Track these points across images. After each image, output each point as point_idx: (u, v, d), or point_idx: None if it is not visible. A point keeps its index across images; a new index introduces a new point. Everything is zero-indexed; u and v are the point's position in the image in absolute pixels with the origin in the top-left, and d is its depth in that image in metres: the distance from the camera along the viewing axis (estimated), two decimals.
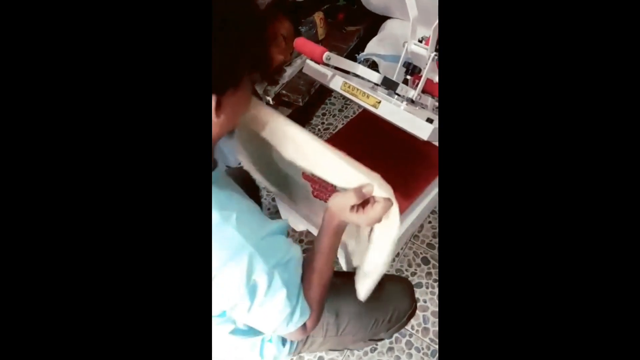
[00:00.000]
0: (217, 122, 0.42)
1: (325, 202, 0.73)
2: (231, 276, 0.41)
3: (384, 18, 1.40)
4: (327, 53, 0.65)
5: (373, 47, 1.40)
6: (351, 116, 1.41)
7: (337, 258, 0.81)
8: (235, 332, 0.58)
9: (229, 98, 0.41)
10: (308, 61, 0.72)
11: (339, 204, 0.52)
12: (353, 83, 0.68)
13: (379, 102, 0.65)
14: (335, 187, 0.56)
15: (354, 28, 1.39)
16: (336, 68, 0.73)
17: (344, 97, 1.48)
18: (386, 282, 0.68)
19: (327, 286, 0.55)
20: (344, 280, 0.66)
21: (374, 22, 1.40)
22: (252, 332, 0.60)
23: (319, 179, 0.61)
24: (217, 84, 0.39)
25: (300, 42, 0.67)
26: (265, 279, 0.43)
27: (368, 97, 0.66)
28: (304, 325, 0.52)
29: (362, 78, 0.74)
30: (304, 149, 0.57)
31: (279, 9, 1.17)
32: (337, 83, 0.69)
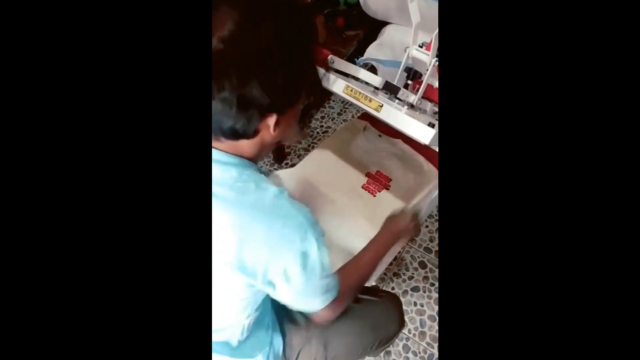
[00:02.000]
0: (271, 135, 0.46)
1: (374, 195, 0.80)
2: (286, 240, 0.45)
3: (383, 23, 1.41)
4: (330, 56, 0.65)
5: (372, 52, 1.41)
6: (350, 119, 1.42)
7: None
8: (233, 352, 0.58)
9: (284, 116, 0.46)
10: None
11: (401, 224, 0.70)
12: (355, 86, 0.69)
13: (381, 106, 0.65)
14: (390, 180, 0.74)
15: (354, 32, 1.40)
16: (338, 71, 0.74)
17: (343, 101, 1.49)
18: (375, 308, 0.67)
19: (362, 280, 0.62)
20: None
21: (373, 27, 1.41)
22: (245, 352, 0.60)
23: (379, 172, 0.81)
24: (279, 106, 0.43)
25: None
26: (315, 247, 0.46)
27: (370, 100, 0.67)
28: (330, 306, 0.52)
29: (364, 82, 0.74)
30: None
31: None
32: (339, 86, 0.70)
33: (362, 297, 0.69)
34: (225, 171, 0.45)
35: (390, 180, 0.85)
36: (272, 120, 0.43)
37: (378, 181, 0.84)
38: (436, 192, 0.87)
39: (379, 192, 0.82)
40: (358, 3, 1.37)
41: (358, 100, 0.68)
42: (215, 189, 0.43)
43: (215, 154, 0.45)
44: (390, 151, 0.91)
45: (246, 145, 0.46)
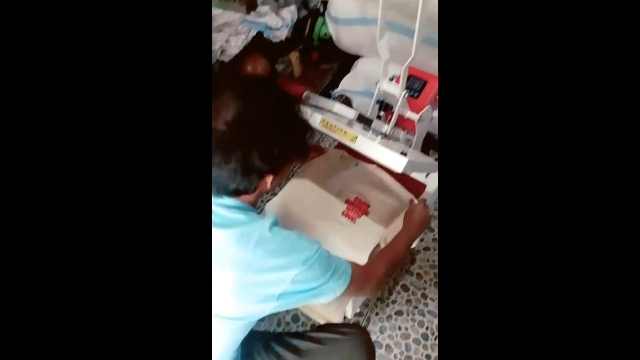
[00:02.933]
0: (267, 188, 0.57)
1: (353, 221, 0.84)
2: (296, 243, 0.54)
3: (356, 57, 1.49)
4: (306, 93, 0.69)
5: (346, 84, 1.48)
6: (328, 148, 1.46)
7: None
8: None
9: (279, 174, 0.56)
10: None
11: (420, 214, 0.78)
12: (330, 119, 0.73)
13: (356, 137, 0.69)
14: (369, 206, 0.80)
15: (328, 66, 1.47)
16: (314, 106, 0.78)
17: (320, 132, 1.53)
18: (341, 348, 0.66)
19: (391, 267, 0.70)
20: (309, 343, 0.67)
21: (346, 61, 1.49)
22: None
23: (357, 199, 0.85)
24: (275, 168, 0.54)
25: (281, 83, 0.72)
26: (315, 248, 0.55)
27: (345, 133, 0.71)
28: (352, 283, 0.58)
29: (339, 115, 0.79)
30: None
31: (256, 48, 1.23)
32: (315, 120, 0.73)
33: (324, 336, 0.67)
34: (231, 212, 0.53)
35: (369, 206, 0.88)
36: (269, 179, 0.54)
37: (357, 207, 0.86)
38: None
39: (359, 218, 0.85)
40: (331, 38, 1.46)
41: (334, 132, 0.71)
42: (219, 230, 0.51)
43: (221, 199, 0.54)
44: (367, 178, 0.94)
45: (246, 197, 0.56)
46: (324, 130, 0.72)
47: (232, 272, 0.50)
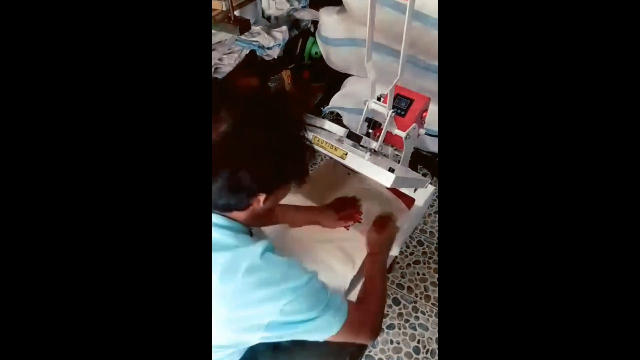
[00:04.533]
0: (261, 207, 0.55)
1: (347, 229, 0.86)
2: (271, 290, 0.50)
3: (346, 75, 1.54)
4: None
5: (336, 101, 1.52)
6: (319, 163, 1.49)
7: None
8: None
9: (273, 194, 0.55)
10: None
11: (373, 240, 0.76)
12: (321, 136, 0.75)
13: (346, 154, 0.72)
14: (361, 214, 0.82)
15: (319, 84, 1.52)
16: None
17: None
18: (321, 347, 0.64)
19: (383, 300, 0.68)
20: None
21: (337, 79, 1.54)
22: None
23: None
24: (268, 189, 0.53)
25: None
26: (306, 278, 0.52)
27: (336, 149, 0.73)
28: (349, 326, 0.55)
29: (329, 131, 0.81)
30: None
31: (249, 67, 1.27)
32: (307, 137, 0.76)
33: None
34: (221, 234, 0.52)
35: (362, 214, 0.90)
36: (261, 198, 0.53)
37: (350, 216, 0.89)
38: (406, 225, 0.92)
39: (352, 226, 0.87)
40: (321, 57, 1.50)
41: (325, 149, 0.74)
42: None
43: (213, 217, 0.53)
44: (359, 187, 0.96)
45: (238, 214, 0.55)
46: (316, 147, 0.75)
47: (217, 305, 0.47)
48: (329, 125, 0.80)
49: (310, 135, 0.74)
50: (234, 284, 0.48)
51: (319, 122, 0.79)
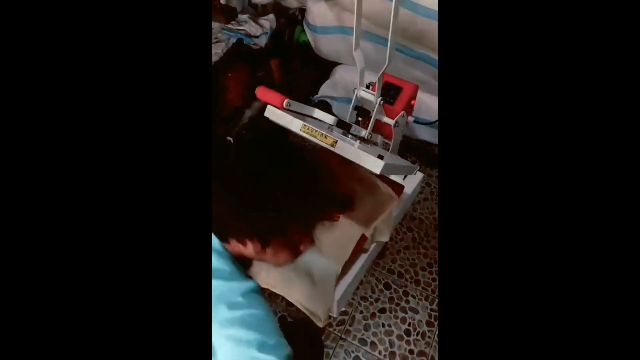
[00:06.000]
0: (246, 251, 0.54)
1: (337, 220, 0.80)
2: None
3: (335, 63, 1.54)
4: (287, 100, 0.72)
5: (325, 90, 1.52)
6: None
7: None
8: None
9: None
10: (269, 106, 0.79)
11: None
12: (311, 125, 0.76)
13: (336, 142, 0.72)
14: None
15: (308, 73, 1.51)
16: (294, 112, 0.81)
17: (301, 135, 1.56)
18: None
19: None
20: None
21: (326, 68, 1.53)
22: None
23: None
24: (261, 238, 0.53)
25: (261, 91, 0.74)
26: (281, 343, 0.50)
27: (326, 137, 0.74)
28: None
29: (319, 120, 0.82)
30: None
31: (236, 56, 1.25)
32: (297, 125, 0.76)
33: None
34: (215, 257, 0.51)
35: (354, 201, 0.91)
36: (251, 244, 0.53)
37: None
38: (395, 212, 0.94)
39: (342, 215, 0.88)
40: (310, 45, 1.49)
41: (315, 137, 0.74)
42: None
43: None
44: (350, 175, 0.97)
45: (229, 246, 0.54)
46: (306, 135, 0.75)
47: None
48: (318, 113, 0.80)
49: (299, 123, 0.75)
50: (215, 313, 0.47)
51: (308, 110, 0.80)
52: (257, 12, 1.26)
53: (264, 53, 1.36)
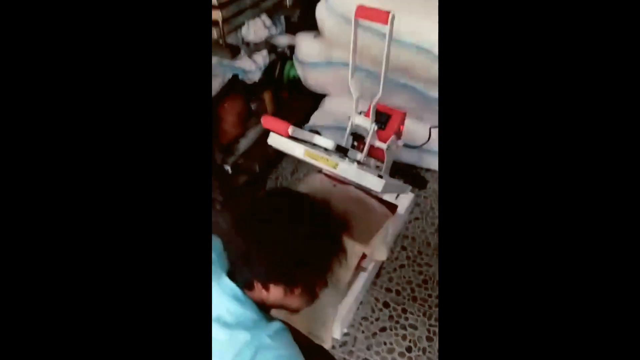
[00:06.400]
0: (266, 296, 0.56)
1: None
2: None
3: (322, 95, 1.63)
4: (291, 127, 0.78)
5: (316, 119, 1.60)
6: (302, 177, 1.54)
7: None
8: None
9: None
10: (272, 135, 0.85)
11: None
12: (312, 150, 0.81)
13: (337, 164, 0.78)
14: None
15: (298, 104, 1.60)
16: (295, 139, 0.86)
17: (294, 161, 1.61)
18: None
19: None
20: None
21: (314, 99, 1.62)
22: None
23: None
24: (288, 280, 0.55)
25: (267, 120, 0.80)
26: None
27: (327, 160, 0.79)
28: None
29: (317, 146, 0.88)
30: None
31: (232, 89, 1.32)
32: (300, 151, 0.81)
33: None
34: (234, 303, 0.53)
35: (350, 222, 0.95)
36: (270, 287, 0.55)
37: None
38: (391, 230, 0.99)
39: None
40: (299, 79, 1.59)
41: (317, 160, 0.80)
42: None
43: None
44: (346, 197, 1.02)
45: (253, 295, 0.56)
46: (308, 159, 0.80)
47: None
48: (318, 139, 0.86)
49: (302, 149, 0.80)
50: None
51: (308, 136, 0.86)
52: (250, 49, 1.35)
53: (257, 86, 1.44)
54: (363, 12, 0.74)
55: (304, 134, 0.82)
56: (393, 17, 0.71)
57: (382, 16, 0.72)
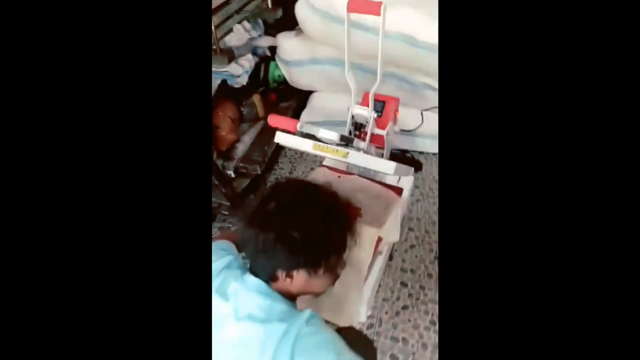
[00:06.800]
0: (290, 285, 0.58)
1: None
2: None
3: (309, 92, 1.66)
4: (299, 123, 0.80)
5: (306, 117, 1.62)
6: (300, 176, 1.56)
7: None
8: None
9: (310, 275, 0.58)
10: (278, 133, 0.87)
11: None
12: (320, 143, 0.84)
13: (347, 154, 0.81)
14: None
15: (287, 104, 1.61)
16: (302, 134, 0.89)
17: (291, 161, 1.63)
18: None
19: None
20: None
21: (302, 97, 1.64)
22: None
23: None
24: (310, 263, 0.57)
25: (274, 118, 0.82)
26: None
27: (337, 151, 0.82)
28: None
29: (320, 140, 0.90)
30: None
31: (223, 94, 1.33)
32: (308, 145, 0.84)
33: None
34: (262, 298, 0.54)
35: (360, 209, 0.98)
36: (295, 274, 0.57)
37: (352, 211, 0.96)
38: (401, 211, 1.02)
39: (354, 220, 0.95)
40: (285, 79, 1.60)
41: (327, 152, 0.82)
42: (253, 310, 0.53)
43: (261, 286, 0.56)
44: (353, 186, 1.05)
45: (278, 286, 0.58)
46: (319, 152, 0.83)
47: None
48: (322, 132, 0.89)
49: (310, 142, 0.83)
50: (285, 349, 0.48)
51: (313, 130, 0.88)
52: (235, 54, 1.36)
53: (245, 90, 1.44)
54: (355, 5, 0.77)
55: (311, 128, 0.85)
56: (385, 8, 0.75)
57: (375, 8, 0.75)
